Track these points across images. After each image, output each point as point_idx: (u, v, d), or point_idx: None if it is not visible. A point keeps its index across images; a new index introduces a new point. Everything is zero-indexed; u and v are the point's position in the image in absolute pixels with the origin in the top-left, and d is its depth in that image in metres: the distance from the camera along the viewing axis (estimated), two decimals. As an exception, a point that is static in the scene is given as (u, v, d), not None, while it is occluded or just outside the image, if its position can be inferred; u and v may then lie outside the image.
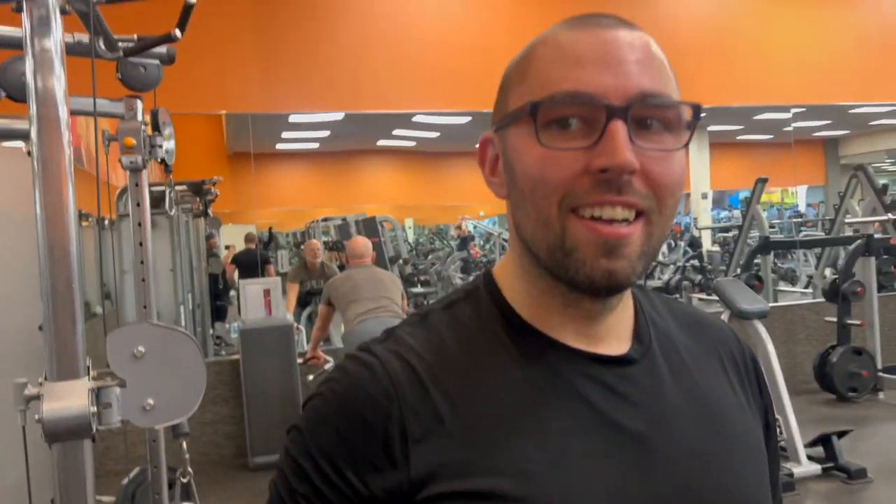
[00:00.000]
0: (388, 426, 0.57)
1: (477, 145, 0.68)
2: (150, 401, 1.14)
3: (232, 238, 7.79)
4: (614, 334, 0.64)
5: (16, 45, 1.90)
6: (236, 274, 6.99)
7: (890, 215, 5.40)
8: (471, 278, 0.72)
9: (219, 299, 7.07)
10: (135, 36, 2.02)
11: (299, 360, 4.54)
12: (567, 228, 0.57)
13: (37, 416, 1.07)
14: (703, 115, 0.59)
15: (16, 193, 1.88)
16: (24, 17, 1.13)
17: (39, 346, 1.36)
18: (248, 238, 7.33)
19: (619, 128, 0.55)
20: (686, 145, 0.59)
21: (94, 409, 1.09)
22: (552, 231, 0.58)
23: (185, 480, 1.89)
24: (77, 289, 1.14)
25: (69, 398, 1.07)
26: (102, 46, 1.92)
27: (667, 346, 0.67)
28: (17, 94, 1.97)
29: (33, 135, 1.11)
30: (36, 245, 1.28)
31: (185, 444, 1.88)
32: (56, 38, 1.14)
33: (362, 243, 4.32)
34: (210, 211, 5.69)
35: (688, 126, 0.59)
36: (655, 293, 0.73)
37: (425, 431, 0.57)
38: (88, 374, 1.14)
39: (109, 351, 1.12)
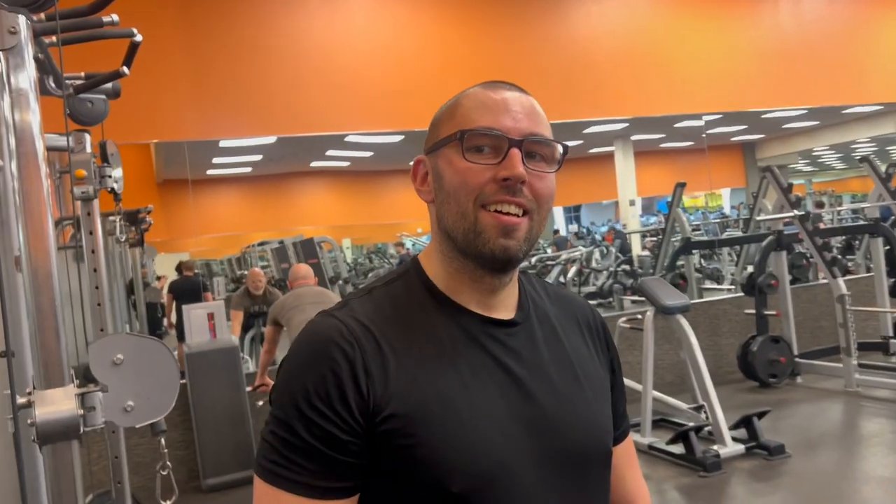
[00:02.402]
0: (355, 367, 0.78)
1: (411, 163, 0.92)
2: (130, 402, 1.27)
3: (164, 268, 7.71)
4: (505, 305, 0.89)
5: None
6: (174, 303, 6.93)
7: (796, 212, 5.81)
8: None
9: (157, 328, 7.02)
10: (82, 73, 2.13)
11: (248, 388, 4.57)
12: (478, 218, 0.82)
13: (29, 421, 1.19)
14: (567, 153, 0.86)
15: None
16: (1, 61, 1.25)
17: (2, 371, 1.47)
18: (186, 266, 7.28)
19: (517, 153, 0.82)
20: (557, 170, 0.86)
21: (81, 411, 1.22)
22: (468, 220, 0.83)
23: (164, 473, 2.00)
24: (59, 307, 1.26)
25: (58, 403, 1.20)
26: (52, 84, 2.03)
27: (541, 315, 0.93)
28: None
29: (13, 169, 1.23)
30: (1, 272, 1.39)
31: (163, 441, 2.00)
32: (31, 79, 1.26)
33: (304, 267, 4.44)
34: (144, 240, 5.66)
35: (559, 160, 0.86)
36: (536, 278, 1.00)
37: (379, 371, 0.79)
38: (73, 382, 1.27)
39: (92, 359, 1.24)
